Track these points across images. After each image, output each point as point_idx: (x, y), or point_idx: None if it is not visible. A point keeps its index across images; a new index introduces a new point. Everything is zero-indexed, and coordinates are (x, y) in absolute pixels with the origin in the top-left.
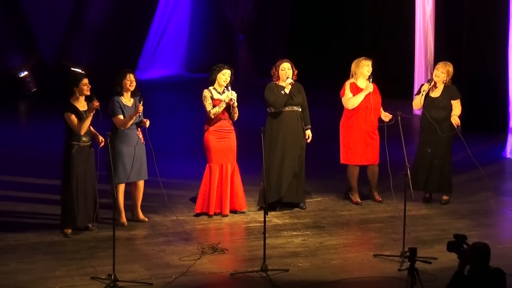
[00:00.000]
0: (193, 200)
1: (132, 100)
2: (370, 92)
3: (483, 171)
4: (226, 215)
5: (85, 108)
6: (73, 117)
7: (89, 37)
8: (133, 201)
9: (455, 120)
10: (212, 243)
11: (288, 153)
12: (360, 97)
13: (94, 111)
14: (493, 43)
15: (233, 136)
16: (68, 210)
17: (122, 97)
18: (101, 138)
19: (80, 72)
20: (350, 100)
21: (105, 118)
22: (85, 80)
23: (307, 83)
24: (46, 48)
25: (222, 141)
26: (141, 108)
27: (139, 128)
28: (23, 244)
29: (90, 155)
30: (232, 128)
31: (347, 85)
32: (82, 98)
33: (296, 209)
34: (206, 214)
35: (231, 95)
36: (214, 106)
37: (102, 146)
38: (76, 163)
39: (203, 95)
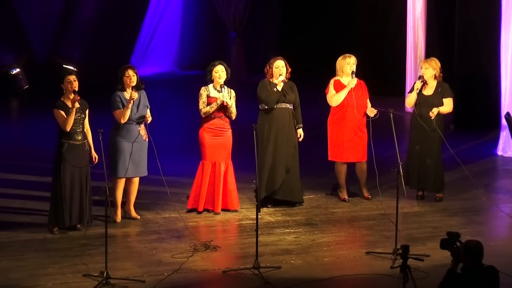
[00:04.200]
0: (185, 197)
1: (136, 94)
2: (352, 88)
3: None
4: (217, 213)
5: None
6: (60, 114)
7: (81, 34)
8: (127, 198)
9: (433, 112)
10: (204, 240)
11: (280, 151)
12: (343, 94)
13: (75, 106)
14: (485, 41)
15: (228, 134)
16: (57, 209)
17: (124, 92)
18: (94, 155)
19: (68, 69)
20: (333, 97)
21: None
22: (70, 77)
23: (298, 81)
24: (37, 45)
25: (216, 138)
26: (135, 95)
27: (142, 125)
28: (15, 241)
29: (84, 155)
30: (228, 126)
31: (331, 82)
32: (71, 96)
33: (289, 206)
34: (196, 210)
35: (223, 97)
36: (209, 103)
37: (96, 163)
38: (66, 161)
39: (199, 93)
